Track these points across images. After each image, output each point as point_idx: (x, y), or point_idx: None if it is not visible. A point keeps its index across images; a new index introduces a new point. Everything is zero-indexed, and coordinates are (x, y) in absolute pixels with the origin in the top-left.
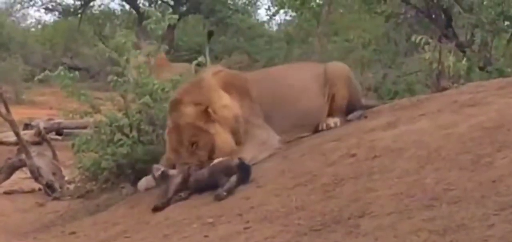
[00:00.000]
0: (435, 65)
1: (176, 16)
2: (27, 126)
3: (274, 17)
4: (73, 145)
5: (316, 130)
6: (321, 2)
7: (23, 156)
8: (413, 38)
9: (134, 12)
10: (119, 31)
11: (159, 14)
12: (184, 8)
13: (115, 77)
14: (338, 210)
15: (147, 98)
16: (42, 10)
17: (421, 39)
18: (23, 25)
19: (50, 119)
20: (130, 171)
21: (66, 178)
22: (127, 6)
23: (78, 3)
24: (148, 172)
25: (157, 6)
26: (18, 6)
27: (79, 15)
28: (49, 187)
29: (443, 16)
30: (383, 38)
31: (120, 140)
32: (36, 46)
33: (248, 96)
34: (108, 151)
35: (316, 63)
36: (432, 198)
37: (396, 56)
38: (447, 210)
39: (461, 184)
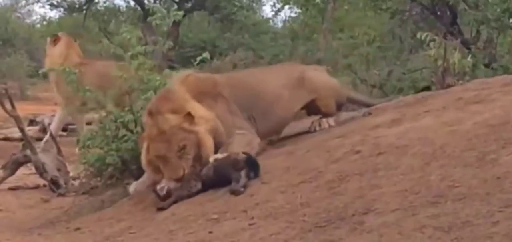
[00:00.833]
0: (440, 62)
1: (181, 13)
2: (32, 122)
3: (279, 14)
4: (78, 141)
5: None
6: None
7: (28, 152)
8: (418, 35)
9: (139, 8)
10: (124, 27)
11: (164, 11)
12: (189, 5)
13: (121, 73)
14: (343, 207)
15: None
16: (47, 7)
17: (426, 36)
18: (28, 21)
19: (55, 115)
20: (135, 167)
21: (71, 174)
22: (132, 3)
23: None
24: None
25: (162, 3)
26: (23, 2)
27: (84, 12)
28: (54, 183)
29: (448, 13)
30: (388, 35)
31: (124, 135)
32: (41, 43)
33: (221, 98)
34: (112, 147)
35: (293, 66)
36: (437, 195)
37: (401, 53)
38: (452, 207)
39: (466, 181)
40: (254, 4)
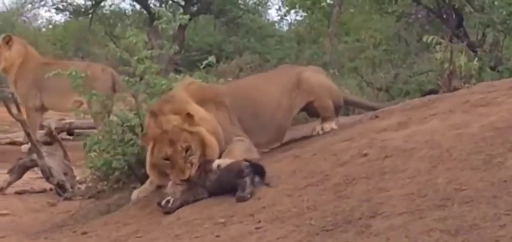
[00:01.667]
0: (446, 65)
1: (187, 16)
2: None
3: (285, 17)
4: (84, 145)
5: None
6: (331, 2)
7: (35, 156)
8: (424, 38)
9: (145, 12)
10: (130, 31)
11: (170, 14)
12: (195, 8)
13: (126, 77)
14: (350, 210)
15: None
16: (53, 10)
17: (432, 39)
18: (34, 25)
19: (61, 119)
20: (141, 171)
21: (77, 178)
22: (138, 6)
23: (89, 3)
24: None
25: (168, 6)
26: (29, 6)
27: (90, 15)
28: (61, 187)
29: (454, 16)
30: (394, 38)
31: (131, 139)
32: (47, 46)
33: (223, 107)
34: (119, 151)
35: (291, 68)
36: (443, 198)
37: (407, 56)
38: (459, 210)
39: (473, 184)
40: (259, 8)
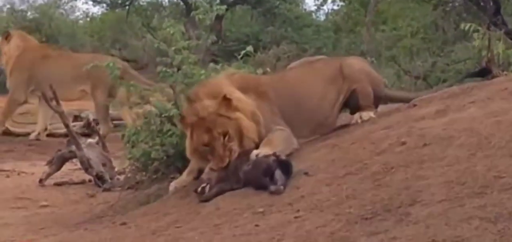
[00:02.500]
0: (484, 53)
1: (224, 7)
2: (76, 118)
3: (321, 7)
4: (122, 136)
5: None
6: None
7: (73, 148)
8: (461, 26)
9: (181, 3)
10: (167, 22)
11: (206, 5)
12: None
13: (164, 68)
14: (389, 199)
15: None
16: (90, 3)
17: (470, 27)
18: (71, 17)
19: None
20: (180, 162)
21: (116, 169)
22: None
23: None
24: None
25: None
26: None
27: (127, 7)
28: (100, 178)
29: (491, 3)
30: (431, 27)
31: (169, 130)
32: (85, 39)
33: (266, 98)
34: (157, 142)
35: (330, 60)
36: (482, 185)
37: (445, 44)
38: (498, 198)
39: None
40: None
